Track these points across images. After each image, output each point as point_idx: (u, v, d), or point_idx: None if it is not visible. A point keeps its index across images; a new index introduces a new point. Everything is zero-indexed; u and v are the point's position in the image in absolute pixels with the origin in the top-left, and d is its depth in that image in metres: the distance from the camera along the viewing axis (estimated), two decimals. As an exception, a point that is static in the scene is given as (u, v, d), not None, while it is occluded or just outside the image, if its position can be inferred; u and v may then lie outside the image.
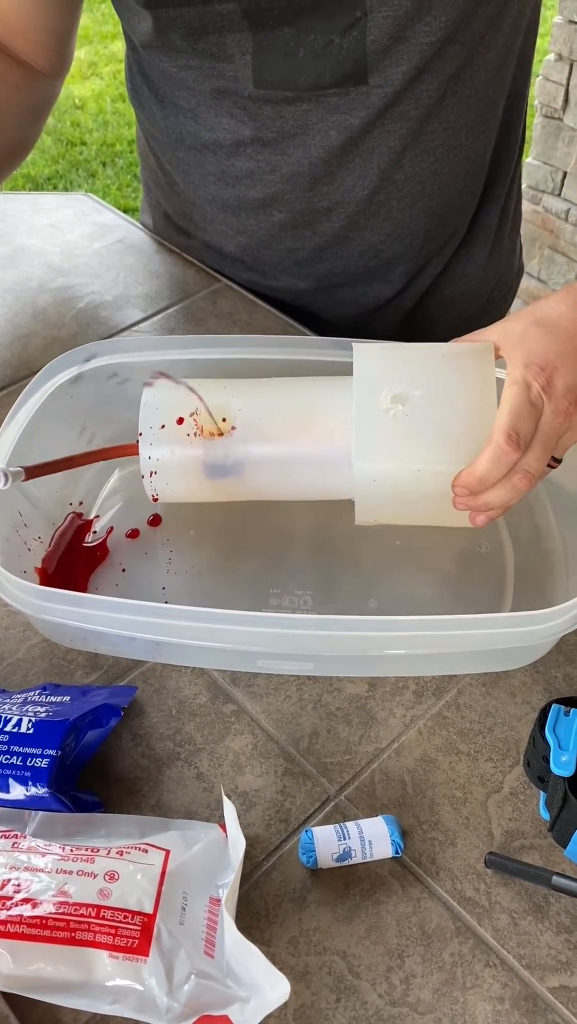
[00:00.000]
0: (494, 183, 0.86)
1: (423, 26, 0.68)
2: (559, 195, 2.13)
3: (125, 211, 1.03)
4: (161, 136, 0.83)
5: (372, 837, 0.50)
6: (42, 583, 0.62)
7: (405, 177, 0.78)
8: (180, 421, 0.60)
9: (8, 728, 0.53)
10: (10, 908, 0.45)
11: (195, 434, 0.60)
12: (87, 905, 0.45)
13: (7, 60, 0.77)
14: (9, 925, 0.44)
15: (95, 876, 0.46)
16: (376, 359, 0.59)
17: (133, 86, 0.83)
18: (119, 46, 3.60)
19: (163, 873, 0.47)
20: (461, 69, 0.73)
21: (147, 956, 0.44)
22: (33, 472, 0.59)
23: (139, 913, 0.45)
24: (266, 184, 0.79)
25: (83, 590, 0.63)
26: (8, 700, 0.56)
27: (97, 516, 0.69)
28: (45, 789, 0.51)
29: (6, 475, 0.57)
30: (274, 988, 0.43)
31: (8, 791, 0.51)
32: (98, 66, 3.56)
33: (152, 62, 0.76)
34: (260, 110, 0.74)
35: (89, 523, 0.67)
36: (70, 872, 0.47)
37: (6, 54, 0.77)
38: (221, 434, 0.60)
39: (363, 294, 0.88)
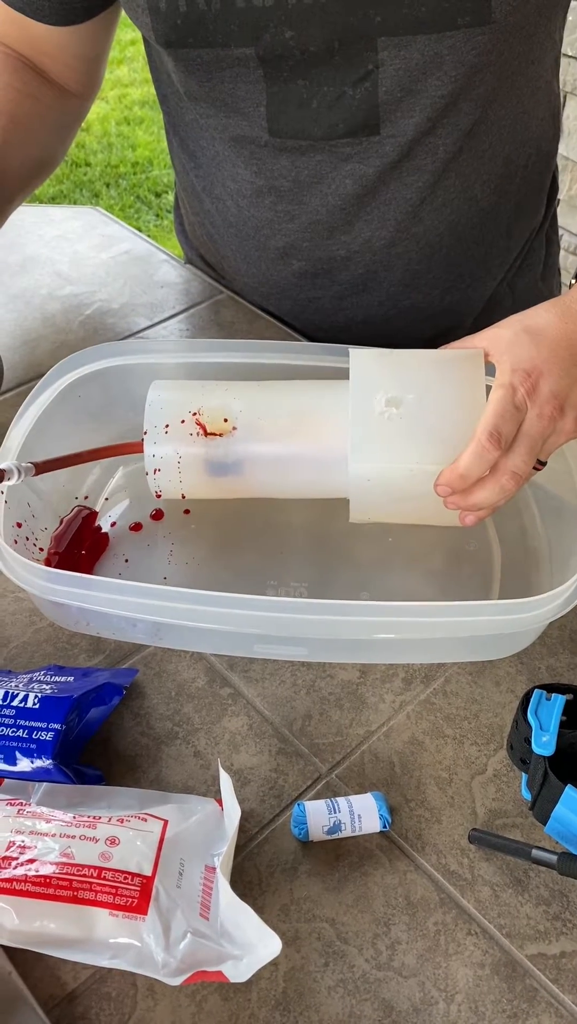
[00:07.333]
0: (516, 236, 0.87)
1: (434, 80, 0.69)
2: None
3: (129, 228, 1.07)
4: (190, 188, 0.87)
5: (361, 811, 0.53)
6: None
7: (423, 229, 0.79)
8: (183, 421, 0.63)
9: (15, 703, 0.55)
10: (15, 868, 0.47)
11: (197, 434, 0.63)
12: (89, 867, 0.47)
13: (39, 80, 0.79)
14: (14, 883, 0.47)
15: (97, 841, 0.49)
16: (371, 364, 0.62)
17: (169, 141, 0.86)
18: (124, 71, 3.68)
19: (161, 840, 0.49)
20: (476, 125, 0.74)
21: (145, 915, 0.46)
22: (43, 467, 0.62)
23: (138, 875, 0.47)
24: (285, 233, 0.81)
25: (87, 578, 0.66)
26: (15, 679, 0.58)
27: (99, 510, 0.71)
28: (50, 761, 0.53)
29: (19, 470, 0.60)
30: (265, 945, 0.45)
31: (15, 763, 0.54)
32: (104, 90, 3.63)
33: (180, 114, 0.79)
34: (276, 160, 0.75)
35: (94, 515, 0.70)
36: (73, 836, 0.49)
37: (38, 74, 0.80)
38: (222, 434, 0.63)
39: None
